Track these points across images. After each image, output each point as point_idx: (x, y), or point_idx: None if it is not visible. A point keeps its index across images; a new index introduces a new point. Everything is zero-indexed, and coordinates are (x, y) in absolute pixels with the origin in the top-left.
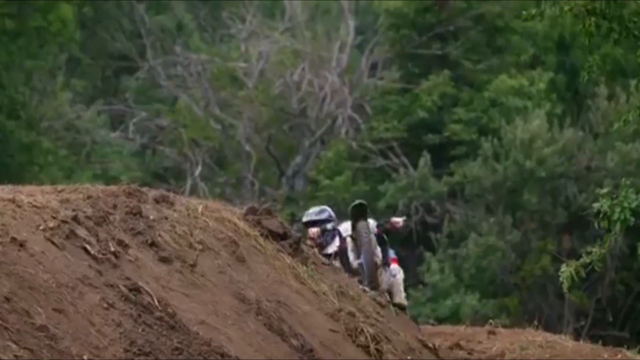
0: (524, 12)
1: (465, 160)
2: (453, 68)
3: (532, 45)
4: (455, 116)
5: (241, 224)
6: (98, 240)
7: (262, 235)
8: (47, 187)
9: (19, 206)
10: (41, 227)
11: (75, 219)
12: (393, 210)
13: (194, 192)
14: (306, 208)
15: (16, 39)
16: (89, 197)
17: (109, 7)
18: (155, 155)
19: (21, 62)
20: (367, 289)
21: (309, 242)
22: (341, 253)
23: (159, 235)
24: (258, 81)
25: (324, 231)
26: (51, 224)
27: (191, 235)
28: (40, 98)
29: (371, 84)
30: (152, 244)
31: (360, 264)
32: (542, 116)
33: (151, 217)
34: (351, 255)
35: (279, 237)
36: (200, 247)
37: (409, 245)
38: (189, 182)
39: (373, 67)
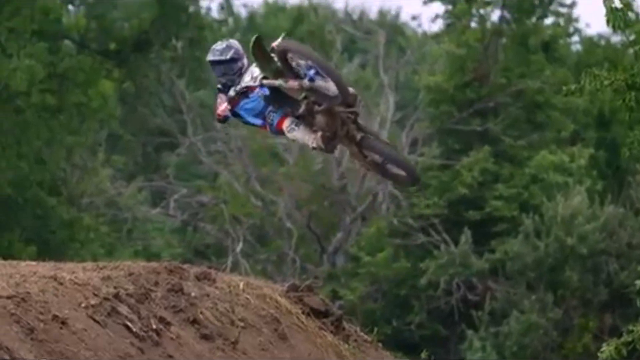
0: (563, 88)
1: (507, 237)
2: (493, 144)
3: (573, 121)
4: (496, 192)
5: (283, 301)
6: (140, 318)
7: (303, 312)
8: (89, 264)
9: (61, 283)
10: (83, 305)
11: (116, 296)
12: (434, 288)
13: (235, 269)
14: (348, 285)
15: (57, 115)
16: (130, 274)
17: (149, 83)
18: (196, 231)
19: (62, 138)
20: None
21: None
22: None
23: (201, 312)
24: (299, 157)
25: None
26: (93, 301)
27: (233, 312)
28: (81, 174)
29: (412, 160)
30: (194, 322)
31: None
32: (583, 193)
33: (193, 294)
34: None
35: (320, 314)
36: (242, 324)
37: (450, 323)
38: (230, 259)
39: (413, 143)
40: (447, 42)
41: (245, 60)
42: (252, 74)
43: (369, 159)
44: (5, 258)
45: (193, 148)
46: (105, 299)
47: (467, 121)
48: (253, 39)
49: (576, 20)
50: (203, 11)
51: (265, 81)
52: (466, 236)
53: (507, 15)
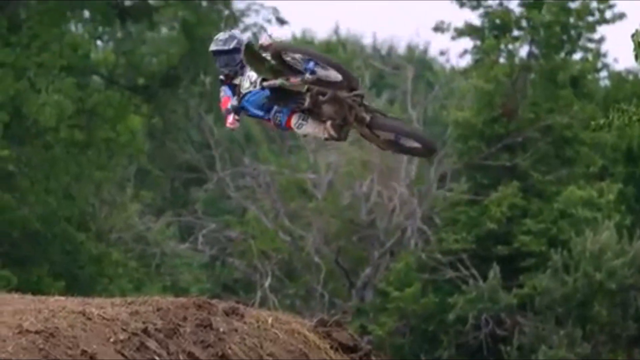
0: (592, 123)
1: (535, 272)
2: (522, 179)
3: (601, 156)
4: (525, 227)
5: (311, 336)
6: (168, 353)
7: (332, 347)
8: (117, 299)
9: (89, 318)
10: (111, 340)
11: (145, 331)
12: (463, 323)
13: (263, 304)
14: (376, 320)
15: (85, 151)
16: (158, 309)
17: (177, 118)
18: (224, 266)
19: (90, 174)
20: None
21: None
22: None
23: (229, 347)
24: (327, 192)
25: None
26: (121, 337)
27: (261, 347)
28: (109, 210)
29: (440, 195)
30: (222, 357)
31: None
32: (611, 228)
33: (221, 330)
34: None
35: (349, 349)
36: (270, 359)
37: (479, 358)
38: (258, 294)
39: (442, 178)
40: (476, 78)
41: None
42: (251, 79)
43: (381, 138)
44: (34, 293)
45: (221, 183)
46: (134, 334)
47: (496, 156)
48: (244, 47)
49: (604, 55)
50: None
51: (265, 83)
52: (494, 271)
53: (536, 50)
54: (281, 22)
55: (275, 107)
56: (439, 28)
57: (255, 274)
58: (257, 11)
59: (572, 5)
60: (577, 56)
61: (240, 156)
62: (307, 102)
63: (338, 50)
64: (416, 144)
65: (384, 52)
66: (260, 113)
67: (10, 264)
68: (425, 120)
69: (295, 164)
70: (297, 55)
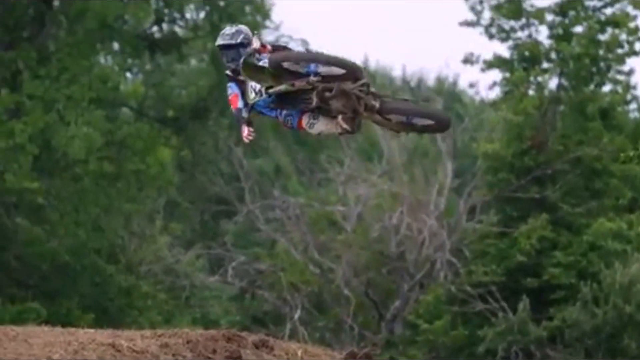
0: (621, 155)
1: (565, 305)
2: (551, 211)
3: (631, 188)
4: (554, 260)
5: None
6: None
7: None
8: (147, 332)
9: (119, 350)
10: None
11: None
12: (493, 356)
13: (293, 336)
14: (406, 352)
15: (115, 183)
16: (188, 342)
17: (207, 150)
18: (254, 299)
19: (120, 206)
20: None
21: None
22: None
23: None
24: (356, 225)
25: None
26: None
27: None
28: (139, 242)
29: (469, 227)
30: None
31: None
32: None
33: None
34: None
35: None
36: None
37: None
38: (288, 327)
39: (471, 210)
40: (505, 110)
41: (254, 45)
42: (255, 89)
43: (393, 121)
44: (63, 326)
45: (251, 215)
46: None
47: (525, 188)
48: (241, 64)
49: (634, 87)
50: None
51: (271, 90)
52: (524, 304)
53: (565, 82)
54: None
55: (284, 111)
56: (468, 60)
57: (284, 307)
58: (286, 43)
59: (602, 37)
60: (606, 88)
61: (269, 189)
62: (314, 101)
63: None
64: (429, 122)
65: (413, 84)
66: (274, 114)
67: (39, 297)
68: (455, 152)
69: (324, 197)
70: (300, 64)
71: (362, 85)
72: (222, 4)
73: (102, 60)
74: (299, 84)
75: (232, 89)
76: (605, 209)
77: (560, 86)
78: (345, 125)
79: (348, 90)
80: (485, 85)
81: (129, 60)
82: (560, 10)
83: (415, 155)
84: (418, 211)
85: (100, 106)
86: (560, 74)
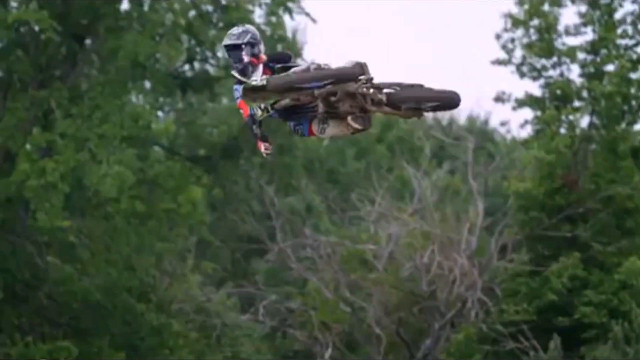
0: None
1: (596, 344)
2: (583, 250)
3: None
4: (586, 299)
5: None
6: None
7: None
8: None
9: None
10: None
11: None
12: None
13: None
14: None
15: (146, 222)
16: None
17: (238, 189)
18: (285, 338)
19: (151, 245)
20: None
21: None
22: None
23: None
24: (387, 263)
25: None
26: None
27: None
28: (170, 281)
29: (501, 266)
30: None
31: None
32: None
33: None
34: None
35: None
36: None
37: None
38: None
39: (502, 249)
40: (537, 148)
41: (262, 46)
42: (260, 106)
43: (403, 109)
44: None
45: (282, 254)
46: None
47: (556, 227)
48: (242, 92)
49: None
50: None
51: (276, 105)
52: (555, 342)
53: (597, 121)
54: None
55: (292, 122)
56: (499, 99)
57: (316, 345)
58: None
59: (633, 75)
60: (638, 127)
61: (301, 227)
62: (320, 107)
63: (399, 122)
64: (438, 103)
65: (444, 122)
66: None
67: (71, 335)
68: (486, 191)
69: (356, 235)
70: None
71: (366, 81)
72: None
73: (133, 98)
74: (305, 99)
75: (239, 92)
76: (637, 247)
77: (591, 124)
78: (355, 125)
79: (352, 91)
80: (516, 123)
81: (161, 99)
82: (592, 49)
83: (447, 194)
84: (449, 250)
85: (131, 145)
86: (592, 113)
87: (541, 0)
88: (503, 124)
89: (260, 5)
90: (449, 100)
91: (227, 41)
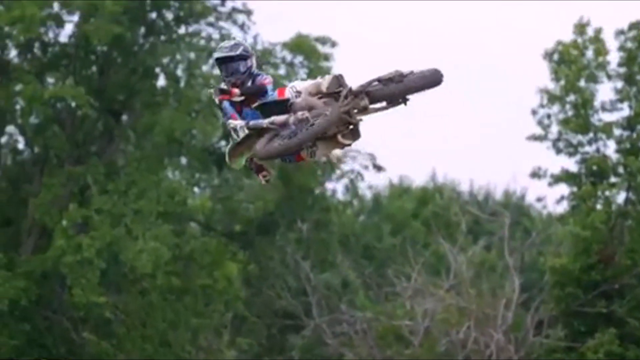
0: None
1: None
2: (619, 326)
3: None
4: None
5: None
6: None
7: None
8: None
9: None
10: None
11: None
12: None
13: None
14: None
15: (182, 297)
16: None
17: (274, 264)
18: None
19: (187, 320)
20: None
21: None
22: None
23: None
24: (424, 339)
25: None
26: None
27: None
28: (206, 356)
29: (537, 342)
30: None
31: None
32: None
33: None
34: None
35: None
36: None
37: None
38: None
39: (539, 324)
40: (573, 224)
41: (254, 60)
42: (238, 128)
43: (389, 104)
44: None
45: (318, 330)
46: None
47: (593, 303)
48: (227, 154)
49: None
50: (328, 193)
51: (251, 124)
52: None
53: (633, 197)
54: (378, 168)
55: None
56: (535, 174)
57: None
58: (354, 158)
59: None
60: None
61: (336, 303)
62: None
63: (435, 197)
64: (423, 85)
65: (480, 198)
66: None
67: None
68: (522, 267)
69: (391, 311)
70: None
71: (345, 96)
72: None
73: (170, 174)
74: (280, 120)
75: (227, 111)
76: None
77: (627, 200)
78: (347, 142)
79: (337, 117)
80: (552, 199)
81: (197, 175)
82: (628, 125)
83: (483, 270)
84: (485, 325)
85: (167, 220)
86: (628, 188)
87: (577, 76)
88: (539, 199)
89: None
90: (432, 84)
91: (218, 54)
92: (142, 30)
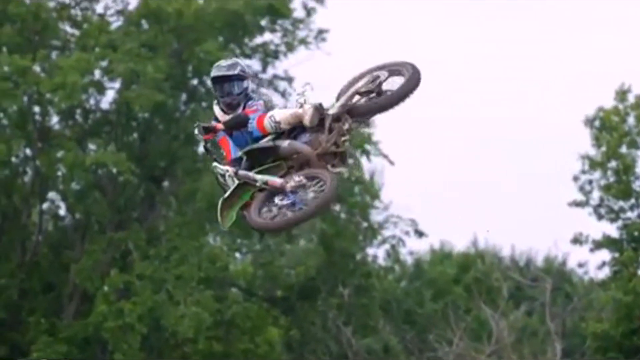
0: None
1: None
2: None
3: None
4: None
5: None
6: None
7: None
8: None
9: None
10: None
11: None
12: None
13: None
14: None
15: None
16: None
17: (316, 330)
18: None
19: None
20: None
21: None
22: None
23: None
24: None
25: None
26: None
27: None
28: None
29: None
30: None
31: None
32: None
33: None
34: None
35: None
36: None
37: None
38: None
39: None
40: (614, 290)
41: (250, 82)
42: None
43: (373, 116)
44: None
45: None
46: None
47: None
48: (230, 220)
49: None
50: (369, 258)
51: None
52: None
53: None
54: (419, 234)
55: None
56: (577, 240)
57: None
58: (395, 223)
59: None
60: None
61: None
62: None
63: (476, 263)
64: (406, 91)
65: (522, 263)
66: None
67: None
68: (563, 332)
69: None
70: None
71: (330, 129)
72: None
73: (211, 240)
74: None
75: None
76: None
77: None
78: (339, 170)
79: (322, 151)
80: (594, 265)
81: (238, 240)
82: None
83: (524, 335)
84: None
85: (209, 286)
86: None
87: (619, 143)
88: (581, 265)
89: None
90: (412, 90)
91: (215, 73)
92: (184, 96)
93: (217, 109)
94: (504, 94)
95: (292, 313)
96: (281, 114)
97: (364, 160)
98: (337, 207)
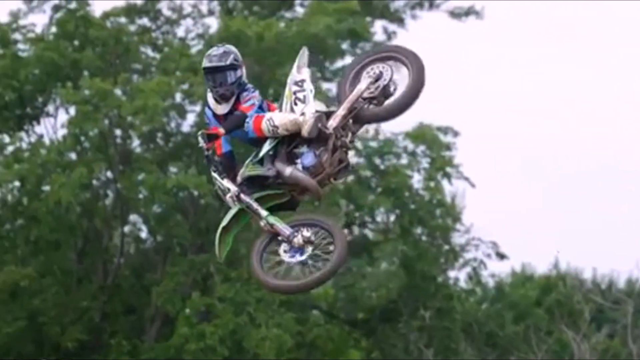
0: None
1: None
2: None
3: None
4: None
5: None
6: None
7: None
8: None
9: None
10: None
11: None
12: None
13: None
14: None
15: None
16: None
17: (397, 352)
18: None
19: None
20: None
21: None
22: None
23: None
24: None
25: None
26: None
27: None
28: None
29: None
30: None
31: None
32: None
33: None
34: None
35: None
36: None
37: None
38: None
39: None
40: None
41: (244, 70)
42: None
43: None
44: None
45: None
46: None
47: None
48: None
49: None
50: (451, 281)
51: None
52: None
53: None
54: (501, 256)
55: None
56: None
57: None
58: (476, 246)
59: None
60: None
61: None
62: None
63: (558, 285)
64: (409, 93)
65: (604, 286)
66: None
67: None
68: None
69: None
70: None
71: (335, 150)
72: (412, 206)
73: None
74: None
75: (225, 146)
76: None
77: None
78: (340, 180)
79: (325, 176)
80: None
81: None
82: None
83: (606, 357)
84: None
85: (290, 308)
86: None
87: None
88: None
89: (418, 170)
90: (418, 90)
91: (206, 63)
92: None
93: (210, 99)
94: (584, 115)
95: (373, 335)
96: (280, 118)
97: (445, 183)
98: (419, 230)
